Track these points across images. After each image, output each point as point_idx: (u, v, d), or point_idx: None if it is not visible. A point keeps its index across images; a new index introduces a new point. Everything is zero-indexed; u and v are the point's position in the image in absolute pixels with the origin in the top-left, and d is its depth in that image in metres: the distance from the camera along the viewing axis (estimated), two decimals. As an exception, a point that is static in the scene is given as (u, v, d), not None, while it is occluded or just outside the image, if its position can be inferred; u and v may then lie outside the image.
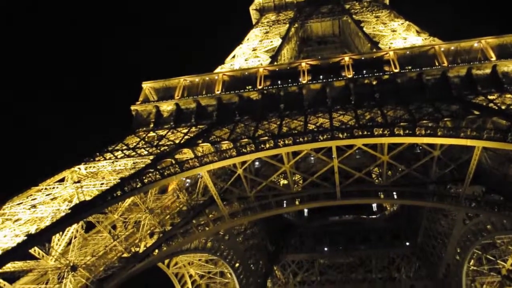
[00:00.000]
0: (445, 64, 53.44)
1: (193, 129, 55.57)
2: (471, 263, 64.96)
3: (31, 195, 44.14)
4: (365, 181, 54.27)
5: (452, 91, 51.23)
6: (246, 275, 73.77)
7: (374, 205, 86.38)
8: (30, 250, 36.94)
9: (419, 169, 52.47)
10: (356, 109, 52.14)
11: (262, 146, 48.16)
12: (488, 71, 51.43)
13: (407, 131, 45.25)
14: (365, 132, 46.77)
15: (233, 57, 74.20)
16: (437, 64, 54.25)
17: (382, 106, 51.55)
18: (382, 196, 54.76)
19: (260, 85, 58.12)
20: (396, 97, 52.60)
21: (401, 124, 46.36)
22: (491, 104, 46.31)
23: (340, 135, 47.30)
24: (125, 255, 45.50)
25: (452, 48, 55.67)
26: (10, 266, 36.92)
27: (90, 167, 48.95)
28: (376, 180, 61.95)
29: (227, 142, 50.36)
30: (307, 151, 51.10)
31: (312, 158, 65.28)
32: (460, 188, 49.16)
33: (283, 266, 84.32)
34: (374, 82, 54.39)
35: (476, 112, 46.07)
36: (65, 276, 39.14)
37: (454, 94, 50.82)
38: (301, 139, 47.71)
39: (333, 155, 50.06)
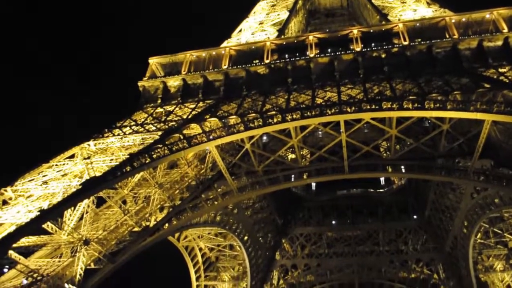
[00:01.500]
0: (456, 36, 52.51)
1: (201, 104, 55.54)
2: (478, 236, 65.41)
3: (42, 171, 44.73)
4: (373, 155, 54.22)
5: (463, 63, 50.47)
6: (255, 248, 74.95)
7: (382, 179, 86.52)
8: (43, 225, 37.73)
9: (428, 143, 52.29)
10: (364, 83, 51.67)
11: (270, 120, 48.12)
12: (499, 43, 50.50)
13: (416, 105, 44.90)
14: (374, 106, 46.48)
15: (240, 31, 73.36)
16: (447, 36, 53.33)
17: (391, 80, 51.04)
18: (390, 170, 54.80)
19: (267, 59, 57.62)
20: (405, 70, 51.98)
21: (410, 97, 45.95)
22: (502, 77, 45.66)
23: (348, 109, 47.07)
24: (135, 229, 46.34)
25: (463, 19, 54.60)
26: (24, 241, 37.79)
27: (99, 143, 49.33)
28: (384, 154, 61.86)
29: (234, 117, 50.37)
30: (315, 125, 51.03)
31: (320, 132, 65.28)
32: (469, 162, 49.04)
33: (291, 239, 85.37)
34: (383, 55, 53.70)
35: (487, 85, 45.49)
36: (78, 250, 40.06)
37: (465, 67, 50.09)
38: (309, 113, 47.56)
39: (341, 129, 49.93)
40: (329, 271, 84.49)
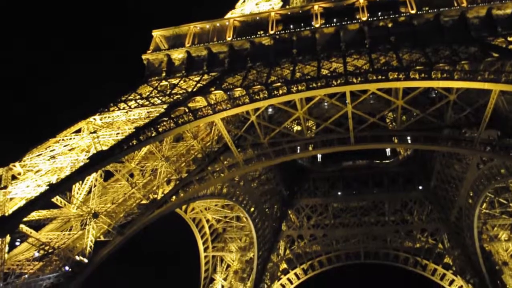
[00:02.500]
0: (464, 4, 51.36)
1: (205, 76, 55.23)
2: (483, 207, 65.73)
3: (49, 146, 45.03)
4: (379, 126, 54.06)
5: (471, 32, 49.56)
6: (261, 219, 75.85)
7: (388, 150, 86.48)
8: (52, 199, 38.34)
9: (434, 113, 51.92)
10: (370, 53, 51.01)
11: (275, 92, 47.83)
12: (509, 11, 49.37)
13: (422, 75, 44.37)
14: (380, 77, 45.98)
15: (244, 1, 72.10)
16: (455, 4, 52.15)
17: (397, 50, 50.29)
18: (396, 141, 54.66)
19: (272, 30, 56.89)
20: (412, 40, 51.16)
21: (417, 67, 45.39)
22: (510, 46, 44.89)
23: (354, 80, 46.62)
24: (143, 201, 46.88)
25: (472, -14, 53.34)
26: (35, 215, 38.44)
27: (105, 117, 49.44)
28: (390, 125, 61.62)
29: (239, 89, 50.13)
30: (320, 97, 50.80)
31: (325, 104, 65.04)
32: (475, 132, 48.75)
33: (297, 210, 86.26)
34: (390, 25, 52.78)
35: (495, 55, 44.79)
36: (87, 223, 40.72)
37: (473, 36, 49.21)
38: (314, 85, 47.18)
39: (347, 100, 49.59)
40: (335, 241, 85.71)
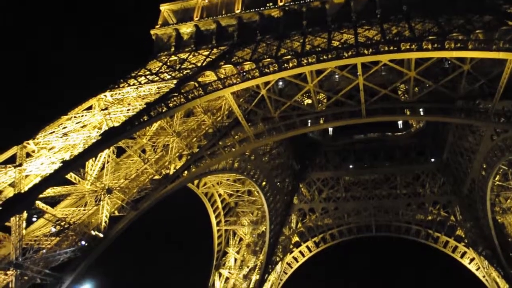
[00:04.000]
0: (479, -30, 49.84)
1: (215, 51, 54.80)
2: (496, 179, 65.06)
3: (61, 124, 45.36)
4: (391, 98, 53.30)
5: (486, 0, 48.20)
6: (273, 193, 76.29)
7: (400, 122, 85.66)
8: (66, 176, 38.85)
9: (447, 84, 50.96)
10: (382, 24, 50.03)
11: (285, 65, 47.38)
12: (526, -24, 47.86)
13: (436, 45, 43.50)
14: (392, 48, 45.22)
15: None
16: (470, -29, 50.65)
17: (409, 19, 49.25)
18: (408, 113, 54.07)
19: (281, 1, 56.03)
20: (425, 9, 49.98)
21: (430, 37, 44.47)
22: (527, 13, 43.67)
23: (365, 51, 45.88)
24: (156, 177, 47.29)
25: (487, -49, 51.53)
26: (50, 191, 39.00)
27: (115, 94, 49.51)
28: (402, 97, 60.69)
29: (249, 62, 49.71)
30: (331, 69, 50.13)
31: (336, 76, 64.16)
32: (490, 103, 47.90)
33: (309, 183, 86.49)
34: (402, -7, 51.54)
35: (510, 23, 43.59)
36: (101, 199, 41.32)
37: (488, 4, 47.82)
38: (325, 57, 46.59)
39: (358, 72, 48.89)
40: (346, 214, 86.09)
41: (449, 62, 53.85)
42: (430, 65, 49.22)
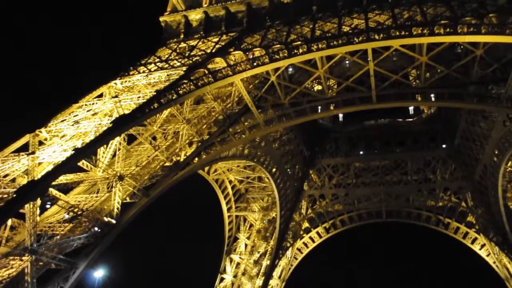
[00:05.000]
0: (493, -48, 48.71)
1: (224, 37, 54.60)
2: (508, 165, 64.32)
3: (72, 111, 45.74)
4: (402, 83, 52.85)
5: (499, -17, 47.25)
6: (283, 179, 76.47)
7: (411, 108, 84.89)
8: (78, 163, 39.32)
9: (459, 69, 50.33)
10: (393, 8, 49.40)
11: (295, 51, 47.10)
12: (542, -42, 46.73)
13: (448, 30, 42.90)
14: (403, 32, 44.69)
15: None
16: (484, -48, 49.53)
17: (421, 3, 48.53)
18: (419, 98, 53.48)
19: (291, -13, 55.37)
20: (437, -7, 49.14)
21: (442, 22, 43.85)
22: (542, -4, 42.75)
23: (376, 37, 45.41)
24: (167, 164, 47.65)
25: None
26: (62, 179, 39.49)
27: (125, 81, 49.70)
28: (414, 83, 60.27)
29: (259, 49, 49.47)
30: (341, 55, 49.66)
31: (347, 62, 63.66)
32: (502, 88, 47.20)
33: (319, 170, 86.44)
34: (414, -23, 50.65)
35: (525, 6, 42.81)
36: (113, 185, 41.78)
37: (502, -14, 46.91)
38: (335, 42, 46.23)
39: (369, 58, 48.44)
40: (356, 200, 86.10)
41: (462, 46, 53.05)
42: (442, 50, 48.54)
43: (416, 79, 60.87)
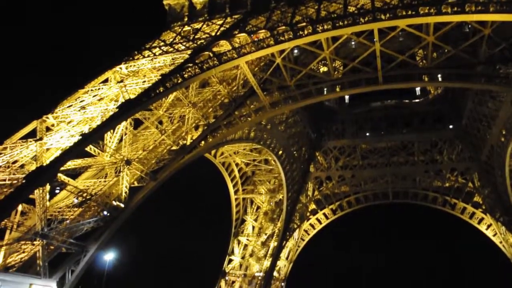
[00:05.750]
0: None
1: (228, 19, 54.18)
2: (515, 145, 64.11)
3: (79, 97, 45.91)
4: (409, 64, 52.40)
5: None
6: (289, 162, 76.68)
7: (418, 89, 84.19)
8: (86, 148, 39.61)
9: (467, 49, 49.68)
10: (400, -13, 48.57)
11: (300, 32, 46.70)
12: None
13: (455, 9, 42.20)
14: (410, 12, 44.02)
15: None
16: None
17: (429, -18, 47.66)
18: (426, 79, 53.03)
19: (295, -34, 54.55)
20: (445, -29, 48.23)
21: (449, 1, 43.07)
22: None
23: (382, 17, 44.80)
24: (173, 147, 47.92)
25: None
26: (70, 164, 39.90)
27: (130, 66, 49.63)
28: (420, 63, 59.74)
29: (264, 31, 49.11)
30: (347, 36, 49.21)
31: (352, 43, 62.83)
32: (511, 68, 46.79)
33: (325, 152, 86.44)
34: (420, -45, 49.70)
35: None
36: (121, 170, 42.17)
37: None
38: (340, 23, 45.74)
39: (375, 39, 47.94)
40: (363, 181, 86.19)
41: (469, 26, 52.22)
42: (449, 29, 47.98)
43: (423, 59, 60.31)
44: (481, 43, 48.64)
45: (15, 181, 36.25)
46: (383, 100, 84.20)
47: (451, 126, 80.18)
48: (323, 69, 64.33)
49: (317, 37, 47.14)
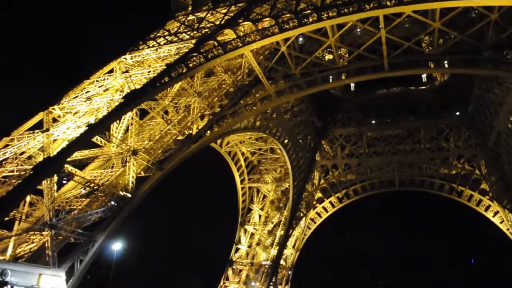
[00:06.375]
0: None
1: (233, 8, 53.87)
2: (523, 131, 63.68)
3: (84, 88, 46.00)
4: (415, 51, 51.97)
5: None
6: (295, 150, 76.64)
7: (424, 76, 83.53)
8: (92, 139, 39.76)
9: (474, 35, 49.08)
10: (405, -28, 47.96)
11: (305, 20, 46.38)
12: None
13: (462, -6, 41.73)
14: (415, -3, 43.58)
15: None
16: None
17: (435, -34, 47.00)
18: (432, 66, 52.71)
19: (299, -47, 53.96)
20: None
21: (456, -14, 42.57)
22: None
23: (388, 3, 44.37)
24: (179, 137, 47.93)
25: None
26: (77, 155, 40.08)
27: (135, 56, 49.59)
28: (426, 50, 59.12)
29: (268, 19, 48.83)
30: (352, 23, 48.78)
31: (358, 30, 62.22)
32: (518, 53, 46.26)
33: (331, 140, 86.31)
34: None
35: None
36: (127, 160, 42.31)
37: None
38: (346, 10, 45.34)
39: (380, 25, 47.50)
40: (369, 169, 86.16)
41: (476, 11, 51.60)
42: (456, 15, 47.38)
43: (429, 46, 59.67)
44: (488, 29, 48.02)
45: (23, 172, 36.52)
46: (389, 87, 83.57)
47: (457, 113, 79.73)
48: (329, 57, 63.88)
49: (322, 24, 46.80)
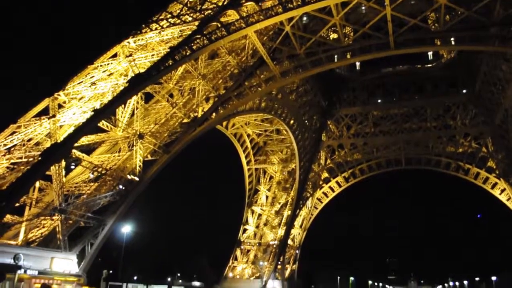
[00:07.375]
0: None
1: (236, -12, 53.11)
2: (531, 107, 63.17)
3: (88, 73, 45.87)
4: (421, 28, 51.23)
5: None
6: (301, 131, 76.56)
7: (430, 53, 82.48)
8: (99, 124, 39.94)
9: (481, 10, 48.17)
10: None
11: (309, -2, 45.77)
12: None
13: (469, -32, 40.91)
14: (421, -26, 42.85)
15: None
16: None
17: None
18: (438, 43, 52.11)
19: None
20: None
21: (463, -40, 41.76)
22: None
23: (393, -21, 43.71)
24: (185, 120, 47.96)
25: None
26: (84, 140, 40.27)
27: (138, 40, 49.25)
28: (433, 27, 58.11)
29: (271, -2, 48.20)
30: (357, 0, 48.19)
31: (363, 8, 61.39)
32: (526, 28, 45.48)
33: (337, 120, 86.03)
34: None
35: None
36: (134, 144, 42.47)
37: None
38: (350, -12, 44.73)
39: (385, 2, 46.84)
40: (375, 149, 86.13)
41: (484, -14, 50.64)
42: (463, -10, 46.57)
43: (435, 22, 58.74)
44: (495, 4, 47.14)
45: (31, 159, 36.84)
46: (394, 65, 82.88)
47: (464, 91, 78.95)
48: (333, 36, 63.12)
49: (326, 3, 46.23)
